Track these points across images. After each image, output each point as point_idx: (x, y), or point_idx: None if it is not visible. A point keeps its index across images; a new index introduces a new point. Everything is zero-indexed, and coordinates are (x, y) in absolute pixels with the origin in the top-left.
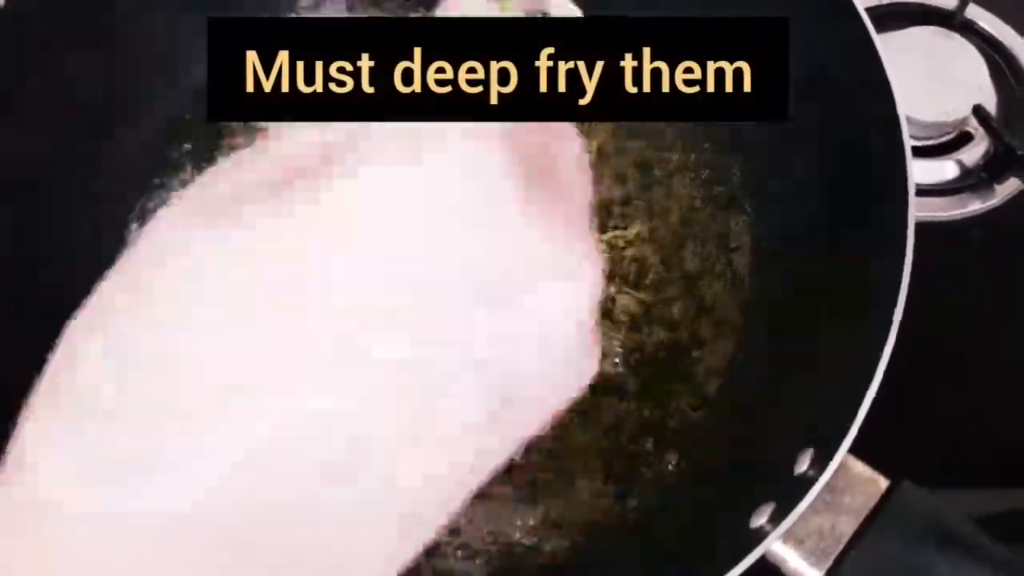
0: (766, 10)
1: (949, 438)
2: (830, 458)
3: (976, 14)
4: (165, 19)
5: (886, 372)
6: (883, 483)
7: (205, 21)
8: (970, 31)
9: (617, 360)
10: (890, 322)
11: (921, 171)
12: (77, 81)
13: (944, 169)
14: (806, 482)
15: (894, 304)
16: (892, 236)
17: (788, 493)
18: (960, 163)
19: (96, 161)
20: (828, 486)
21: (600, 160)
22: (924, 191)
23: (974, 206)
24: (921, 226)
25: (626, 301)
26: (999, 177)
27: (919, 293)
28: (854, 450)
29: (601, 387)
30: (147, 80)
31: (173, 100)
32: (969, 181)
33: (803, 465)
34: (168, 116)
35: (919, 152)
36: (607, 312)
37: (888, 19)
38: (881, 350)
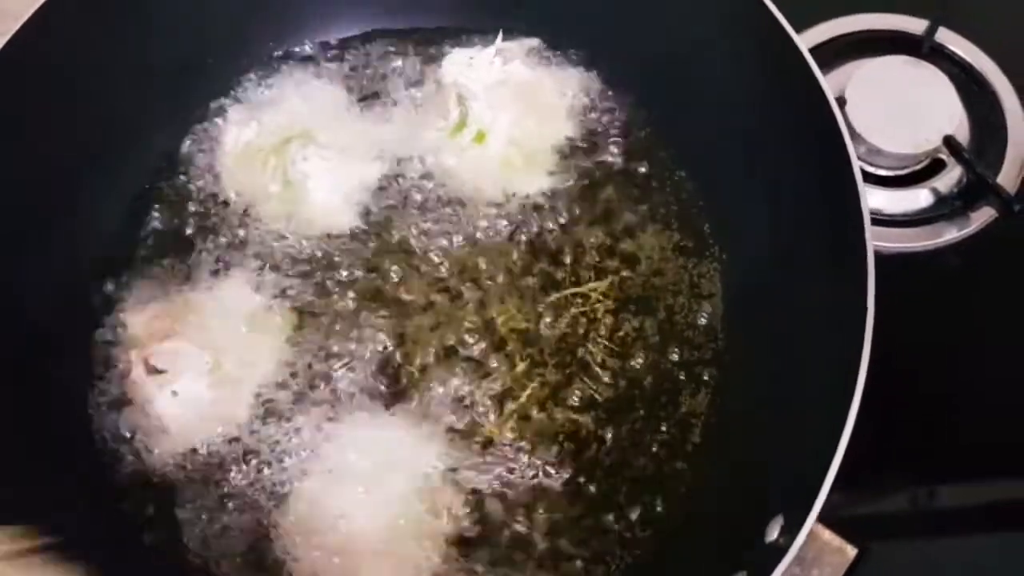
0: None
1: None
2: (800, 526)
3: (946, 38)
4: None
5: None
6: (851, 552)
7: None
8: (940, 56)
9: (594, 415)
10: (855, 381)
11: (894, 201)
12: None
13: (918, 198)
14: (777, 551)
15: (858, 368)
16: (854, 279)
17: (759, 562)
18: (934, 191)
19: (68, 222)
20: (797, 558)
21: (573, 212)
22: (898, 221)
23: (949, 235)
24: (895, 257)
25: (602, 356)
26: (973, 205)
27: (895, 328)
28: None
29: (579, 441)
30: (119, 149)
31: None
32: (943, 209)
33: (773, 533)
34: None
35: (891, 182)
36: (585, 366)
37: (857, 48)
38: (847, 412)
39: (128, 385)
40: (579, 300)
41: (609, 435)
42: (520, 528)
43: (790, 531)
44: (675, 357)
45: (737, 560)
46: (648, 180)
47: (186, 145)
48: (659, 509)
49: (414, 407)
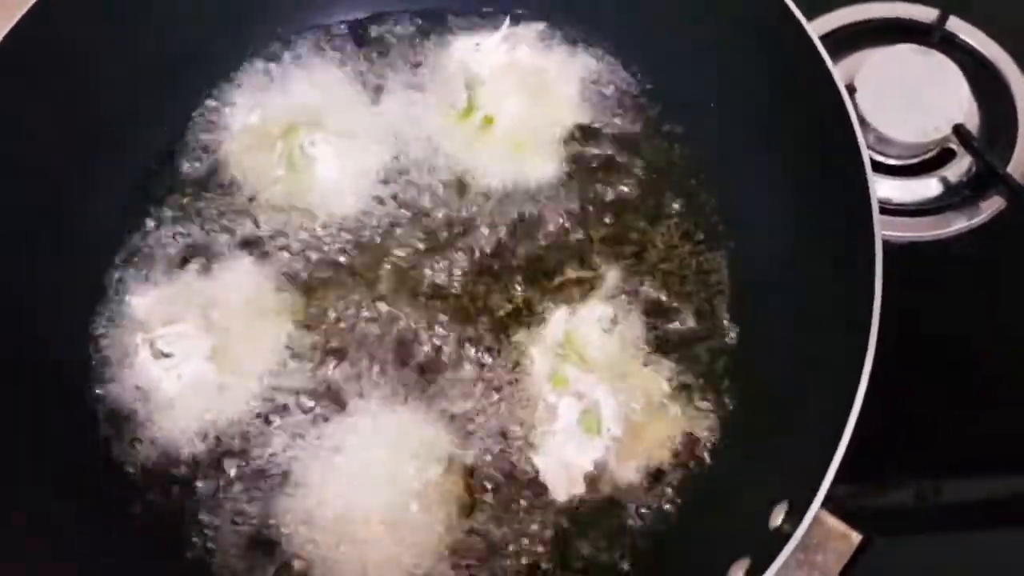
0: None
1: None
2: (804, 511)
3: (957, 26)
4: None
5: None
6: (855, 538)
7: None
8: (950, 44)
9: None
10: (862, 369)
11: (904, 190)
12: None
13: (927, 187)
14: (781, 536)
15: (864, 356)
16: (862, 268)
17: (764, 547)
18: (944, 180)
19: (74, 208)
20: (802, 543)
21: (581, 198)
22: (908, 211)
23: (959, 224)
24: (905, 247)
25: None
26: (983, 194)
27: (904, 318)
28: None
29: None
30: (127, 134)
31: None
32: (953, 199)
33: (778, 518)
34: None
35: (901, 171)
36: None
37: (867, 36)
38: (853, 400)
39: (134, 368)
40: (586, 286)
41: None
42: (530, 515)
43: (795, 517)
44: (679, 346)
45: (742, 545)
46: (656, 167)
47: (192, 131)
48: (663, 495)
49: (422, 393)
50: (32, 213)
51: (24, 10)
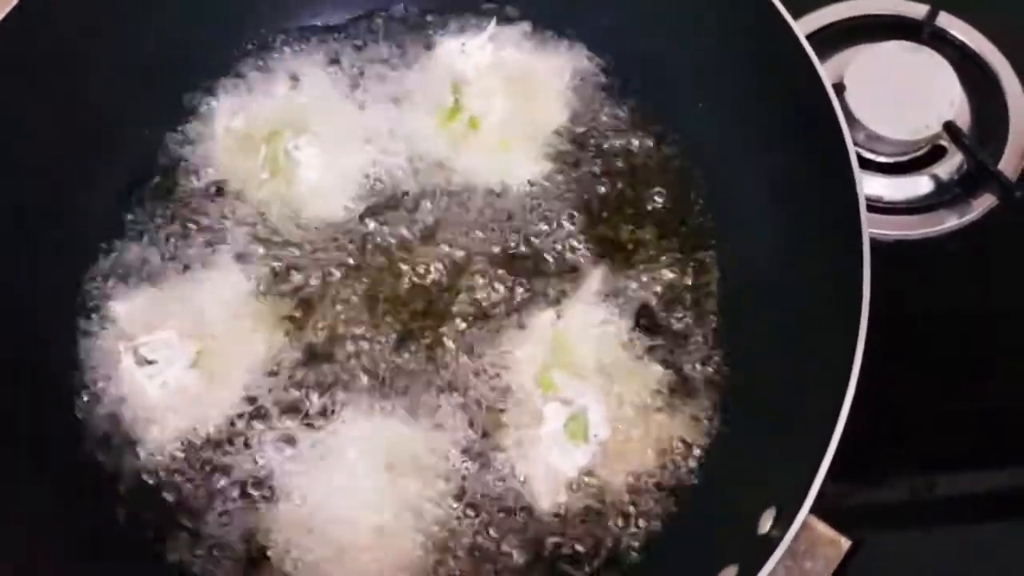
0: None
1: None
2: (793, 517)
3: (947, 22)
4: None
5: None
6: (845, 544)
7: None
8: (941, 40)
9: None
10: (851, 370)
11: (894, 188)
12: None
13: (918, 185)
14: (770, 543)
15: (853, 356)
16: (850, 267)
17: (752, 554)
18: (935, 178)
19: (57, 214)
20: (790, 550)
21: (568, 199)
22: (898, 209)
23: (950, 222)
24: (895, 245)
25: None
26: (974, 191)
27: (894, 317)
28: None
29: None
30: (107, 138)
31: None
32: (944, 196)
33: (766, 525)
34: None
35: (892, 169)
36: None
37: (857, 33)
38: (842, 402)
39: (118, 376)
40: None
41: None
42: (517, 524)
43: (783, 523)
44: (670, 348)
45: (730, 552)
46: (644, 166)
47: (177, 134)
48: (651, 502)
49: (407, 400)
50: (32, 213)
51: (6, 11)
